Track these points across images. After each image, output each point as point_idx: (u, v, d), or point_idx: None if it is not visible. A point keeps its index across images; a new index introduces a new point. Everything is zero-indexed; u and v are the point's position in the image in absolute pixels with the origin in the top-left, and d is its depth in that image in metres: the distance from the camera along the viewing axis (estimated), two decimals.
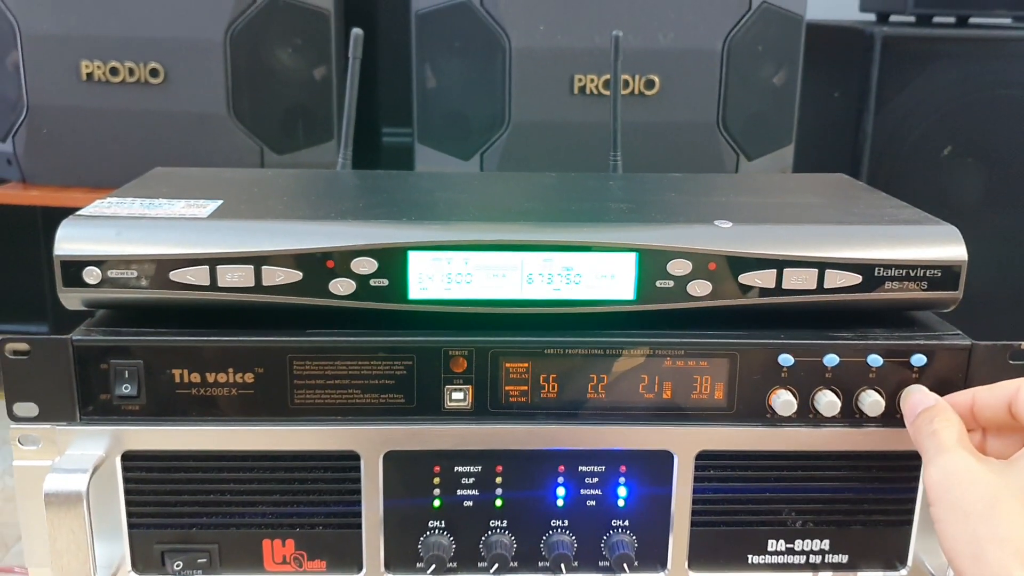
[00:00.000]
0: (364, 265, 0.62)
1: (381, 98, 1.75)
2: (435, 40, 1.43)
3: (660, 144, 1.44)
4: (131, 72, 1.44)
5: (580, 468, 0.67)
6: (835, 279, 0.64)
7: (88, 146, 1.46)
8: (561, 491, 0.67)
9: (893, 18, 1.69)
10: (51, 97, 1.44)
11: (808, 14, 1.43)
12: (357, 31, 0.88)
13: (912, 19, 1.64)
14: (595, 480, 0.67)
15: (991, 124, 1.51)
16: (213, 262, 0.62)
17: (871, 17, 1.75)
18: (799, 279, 0.64)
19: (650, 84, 1.43)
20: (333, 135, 1.51)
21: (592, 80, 1.43)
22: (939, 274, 0.65)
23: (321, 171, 0.87)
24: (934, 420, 0.60)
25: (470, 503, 0.67)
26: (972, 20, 1.62)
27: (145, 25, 1.42)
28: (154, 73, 1.44)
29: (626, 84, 1.43)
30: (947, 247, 0.65)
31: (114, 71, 1.44)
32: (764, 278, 0.64)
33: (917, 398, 0.63)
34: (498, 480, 0.66)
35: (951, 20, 1.63)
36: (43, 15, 1.41)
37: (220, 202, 0.68)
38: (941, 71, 1.51)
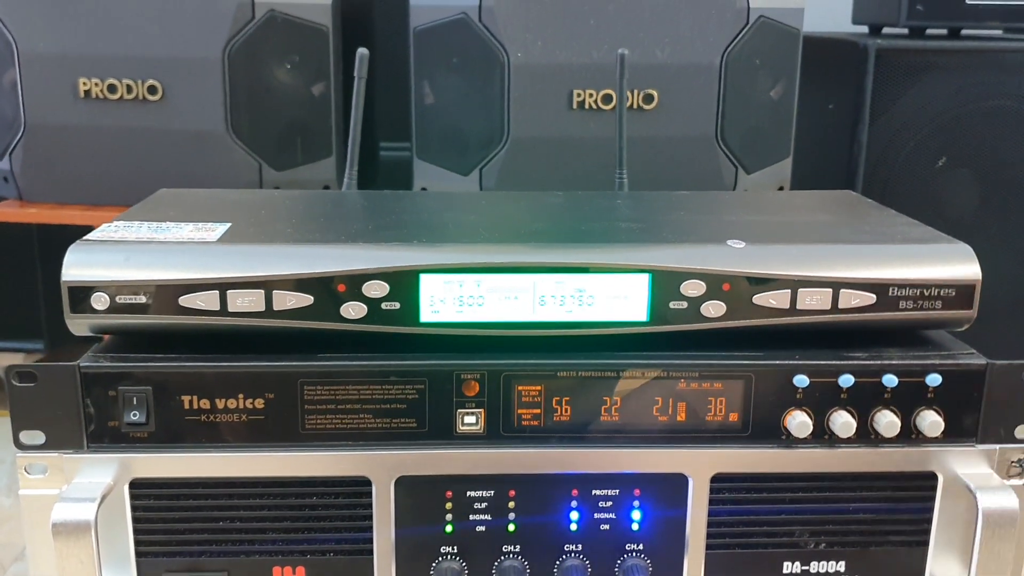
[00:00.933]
0: (375, 288, 0.62)
1: (379, 113, 1.74)
2: (433, 56, 1.43)
3: (659, 158, 1.44)
4: (129, 89, 1.43)
5: (594, 492, 0.66)
6: (849, 299, 0.64)
7: (86, 164, 1.45)
8: (575, 515, 0.66)
9: (886, 30, 1.70)
10: (49, 115, 1.43)
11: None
12: (363, 51, 0.87)
13: (905, 31, 1.64)
14: (609, 504, 0.66)
15: (985, 135, 1.51)
16: (223, 287, 0.61)
17: (864, 29, 1.75)
18: (813, 299, 0.64)
19: (648, 99, 1.43)
20: (332, 152, 1.50)
21: (591, 95, 1.42)
22: (953, 293, 0.65)
23: (328, 192, 0.87)
24: None
25: (483, 528, 0.66)
26: (965, 32, 1.63)
27: (143, 43, 1.41)
28: (152, 90, 1.43)
29: (625, 99, 1.42)
30: (961, 266, 0.65)
31: (112, 88, 1.43)
32: (779, 298, 0.64)
33: None
34: (511, 505, 0.66)
35: (944, 32, 1.64)
36: (41, 33, 1.40)
37: (228, 225, 0.67)
38: (935, 83, 1.51)
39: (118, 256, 0.62)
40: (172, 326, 0.62)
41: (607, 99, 1.41)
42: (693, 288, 0.63)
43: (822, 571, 0.68)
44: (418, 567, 0.66)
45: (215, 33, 1.40)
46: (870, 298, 0.64)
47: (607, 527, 0.66)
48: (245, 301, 0.61)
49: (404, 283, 0.62)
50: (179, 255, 0.62)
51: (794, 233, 0.70)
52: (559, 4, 1.39)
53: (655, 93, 1.42)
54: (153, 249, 0.62)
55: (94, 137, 1.43)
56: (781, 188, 1.49)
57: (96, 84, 1.42)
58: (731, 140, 1.45)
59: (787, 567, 0.68)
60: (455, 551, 0.66)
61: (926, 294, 0.65)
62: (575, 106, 1.42)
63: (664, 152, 1.43)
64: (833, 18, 1.84)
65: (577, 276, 0.63)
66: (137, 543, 0.64)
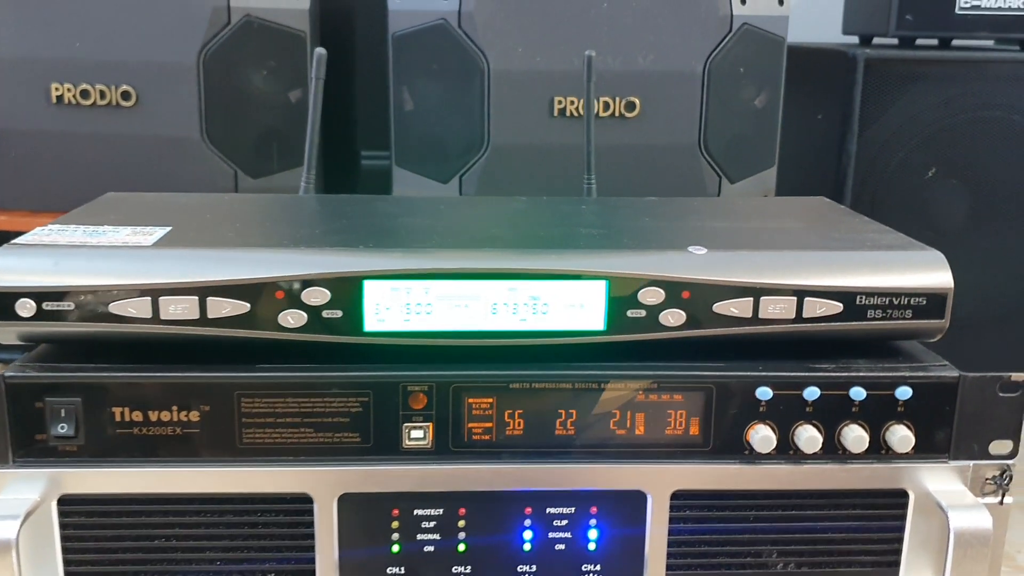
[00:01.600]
0: (316, 296, 0.59)
1: (359, 120, 1.72)
2: (412, 62, 1.41)
3: (642, 166, 1.42)
4: (102, 95, 1.40)
5: (548, 510, 0.63)
6: (815, 308, 0.61)
7: (58, 170, 1.43)
8: (528, 534, 0.63)
9: (876, 40, 1.68)
10: (20, 120, 1.41)
11: (791, 37, 1.41)
12: (320, 50, 0.85)
13: (895, 41, 1.62)
14: (564, 523, 0.63)
15: (975, 146, 1.49)
16: (155, 293, 0.58)
17: (854, 39, 1.73)
18: (777, 308, 0.61)
19: (631, 106, 1.41)
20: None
21: (572, 102, 1.40)
22: (924, 302, 0.62)
23: (282, 196, 0.84)
24: None
25: (431, 548, 0.63)
26: (955, 42, 1.61)
27: (116, 48, 1.39)
28: (126, 96, 1.41)
29: (607, 106, 1.40)
30: (932, 273, 0.62)
31: (85, 94, 1.40)
32: (740, 307, 0.61)
33: None
34: (461, 524, 0.63)
35: (934, 42, 1.62)
36: (12, 37, 1.38)
37: (168, 229, 0.64)
38: (924, 93, 1.50)
39: (46, 261, 0.59)
40: (102, 334, 0.59)
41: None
42: (651, 296, 0.61)
43: None
44: None
45: (190, 38, 1.38)
46: (836, 307, 0.61)
47: (562, 547, 0.63)
48: (178, 308, 0.58)
49: (347, 290, 0.59)
50: (110, 260, 0.59)
51: (759, 240, 0.67)
52: (539, 11, 1.37)
53: (637, 101, 1.39)
54: (84, 254, 0.59)
55: (67, 143, 1.41)
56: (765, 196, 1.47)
57: (69, 89, 1.40)
58: (715, 149, 1.43)
59: None
60: (402, 572, 0.63)
61: (895, 303, 0.62)
62: (556, 113, 1.39)
63: (646, 160, 1.41)
64: (824, 28, 1.83)
65: (531, 283, 0.61)
66: (66, 563, 0.61)
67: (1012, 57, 1.46)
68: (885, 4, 1.59)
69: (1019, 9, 1.55)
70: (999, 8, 1.58)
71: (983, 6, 1.57)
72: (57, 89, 1.38)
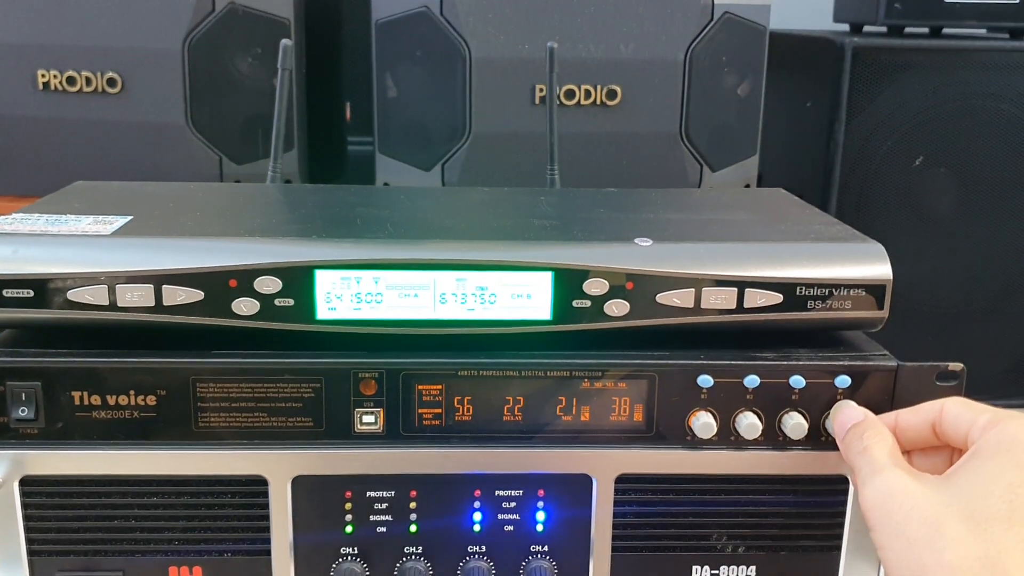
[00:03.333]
0: (268, 284, 0.61)
1: (345, 107, 1.73)
2: (395, 49, 1.42)
3: (622, 155, 1.43)
4: (88, 81, 1.42)
5: (497, 492, 0.65)
6: (755, 298, 0.63)
7: (46, 156, 1.44)
8: (478, 516, 0.65)
9: (866, 29, 1.68)
10: (7, 106, 1.42)
11: (781, 24, 1.42)
12: (286, 41, 0.86)
13: (884, 29, 1.63)
14: (512, 504, 0.65)
15: (963, 134, 1.50)
16: (112, 281, 0.60)
17: (845, 27, 1.74)
18: (718, 298, 0.63)
19: (612, 94, 1.41)
20: (295, 145, 1.49)
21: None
22: (863, 293, 0.63)
23: (247, 185, 0.86)
24: (864, 435, 0.58)
25: (384, 529, 0.65)
26: (945, 31, 1.61)
27: (102, 34, 1.40)
28: (111, 83, 1.42)
29: (588, 94, 1.41)
30: (871, 266, 0.64)
31: (71, 80, 1.42)
32: (682, 297, 0.63)
33: (845, 414, 0.61)
34: (412, 505, 0.65)
35: (924, 31, 1.62)
36: None
37: (129, 218, 0.66)
38: (913, 81, 1.50)
39: (6, 249, 0.60)
40: (61, 321, 0.61)
41: (570, 94, 1.39)
42: (596, 287, 0.62)
43: (733, 575, 0.67)
44: (318, 568, 0.65)
45: (175, 25, 1.39)
46: (776, 298, 0.63)
47: (511, 528, 0.65)
48: (134, 296, 0.60)
49: (298, 279, 0.61)
50: (68, 248, 0.61)
51: (704, 231, 0.68)
52: None
53: (618, 89, 1.40)
54: (43, 242, 0.61)
55: (53, 129, 1.42)
56: (747, 186, 1.48)
57: (55, 76, 1.41)
58: (696, 137, 1.44)
59: (696, 571, 0.67)
60: (356, 552, 0.65)
61: (835, 294, 0.63)
62: (537, 101, 1.40)
63: (627, 149, 1.41)
64: (816, 16, 1.83)
65: (478, 273, 0.62)
66: (29, 542, 0.63)
67: (1001, 46, 1.46)
68: None
69: None
70: None
71: None
72: (43, 76, 1.40)
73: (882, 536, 0.53)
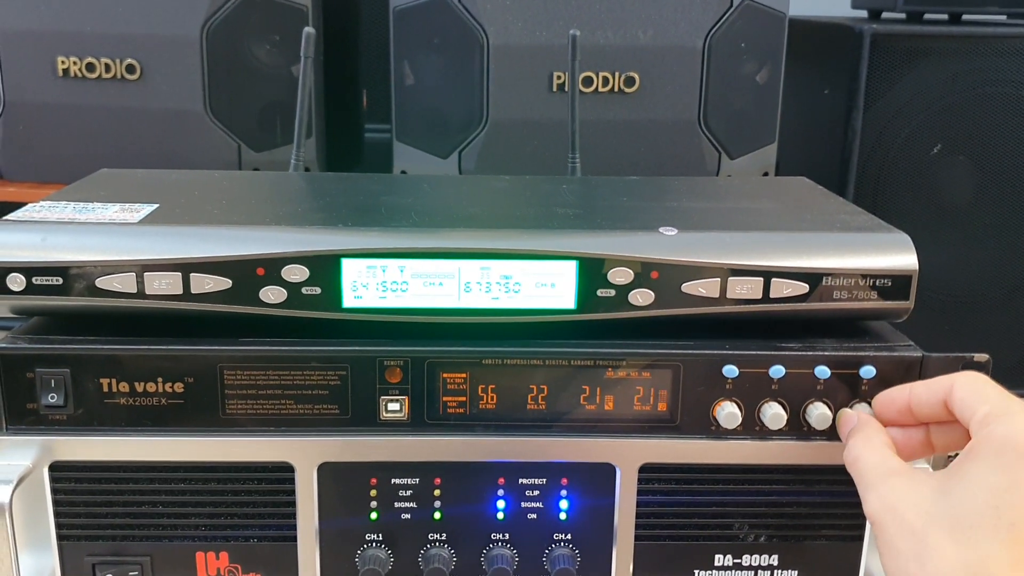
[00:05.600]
0: (295, 273, 0.61)
1: (363, 94, 1.73)
2: (413, 36, 1.42)
3: (641, 142, 1.43)
4: (107, 68, 1.42)
5: (520, 481, 0.65)
6: (781, 288, 0.63)
7: (65, 142, 1.45)
8: (501, 504, 0.65)
9: (884, 15, 1.67)
10: (28, 93, 1.43)
11: (800, 11, 1.41)
12: (309, 30, 0.86)
13: (903, 16, 1.61)
14: (536, 493, 0.65)
15: (982, 122, 1.49)
16: (140, 269, 0.60)
17: (863, 14, 1.72)
18: (744, 288, 0.63)
19: (630, 81, 1.41)
20: (312, 132, 1.50)
21: None
22: (889, 283, 0.63)
23: (270, 174, 0.86)
24: (852, 443, 0.58)
25: (408, 516, 0.65)
26: (965, 17, 1.60)
27: (121, 21, 1.40)
28: (130, 69, 1.42)
29: (606, 81, 1.41)
30: (897, 256, 0.63)
31: (90, 67, 1.42)
32: (708, 287, 0.63)
33: (842, 421, 0.62)
34: (436, 492, 0.65)
35: (943, 17, 1.61)
36: (19, 11, 1.40)
37: (156, 206, 0.66)
38: (931, 68, 1.49)
39: (35, 237, 0.61)
40: (89, 308, 0.61)
41: (588, 81, 1.39)
42: (621, 276, 0.62)
43: (754, 564, 0.67)
44: (343, 554, 0.65)
45: (193, 12, 1.39)
46: (802, 287, 0.63)
47: (534, 516, 0.66)
48: (162, 284, 0.60)
49: (325, 268, 0.61)
50: (96, 236, 0.61)
51: (729, 220, 0.68)
52: None
53: (637, 76, 1.40)
54: (71, 230, 0.62)
55: (73, 116, 1.43)
56: (766, 174, 1.48)
57: (75, 63, 1.42)
58: (714, 125, 1.43)
59: (719, 559, 0.67)
60: (380, 538, 0.66)
61: (860, 284, 0.63)
62: (555, 88, 1.40)
63: (646, 136, 1.41)
64: (835, 3, 1.82)
65: (503, 262, 0.62)
66: (58, 527, 0.64)
67: (1021, 33, 1.44)
68: None
69: None
70: None
71: None
72: (63, 63, 1.40)
73: (879, 546, 0.54)
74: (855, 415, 0.61)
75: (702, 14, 1.39)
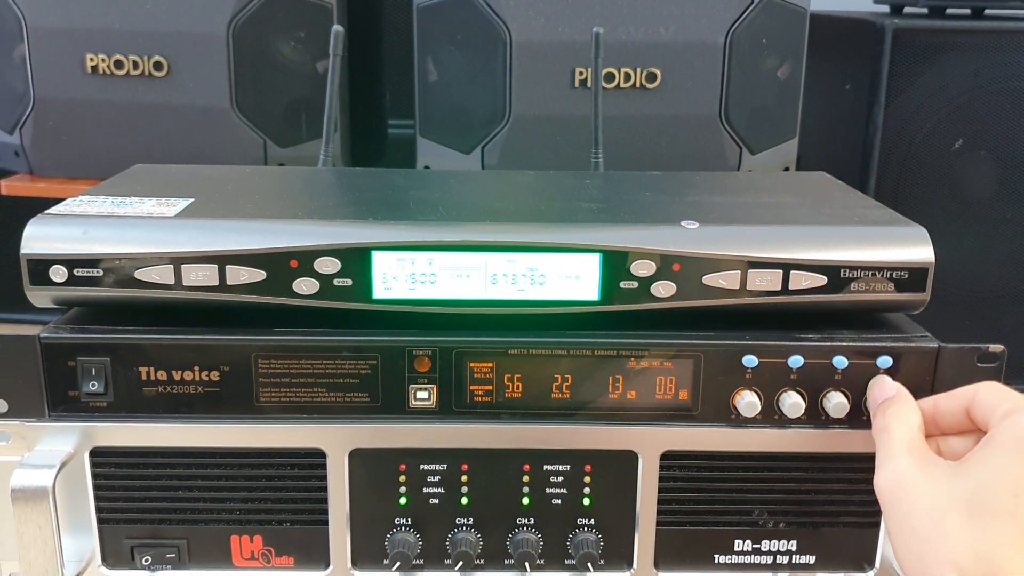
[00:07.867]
0: (327, 265, 0.63)
1: (388, 90, 1.75)
2: (436, 33, 1.43)
3: (662, 138, 1.44)
4: (135, 65, 1.44)
5: (545, 467, 0.67)
6: (800, 281, 0.64)
7: (93, 138, 1.47)
8: (526, 490, 0.67)
9: (906, 10, 1.67)
10: (57, 90, 1.46)
11: (821, 5, 1.41)
12: (338, 28, 0.88)
13: (925, 11, 1.61)
14: (560, 479, 0.67)
15: (1004, 117, 1.49)
16: (177, 261, 0.62)
17: (885, 9, 1.73)
18: (763, 280, 0.64)
19: (652, 77, 1.42)
20: (337, 128, 1.52)
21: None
22: (906, 276, 0.65)
23: (300, 168, 0.88)
24: (887, 413, 0.59)
25: (436, 501, 0.67)
26: (987, 12, 1.60)
27: (149, 18, 1.43)
28: (158, 66, 1.45)
29: (627, 77, 1.42)
30: (914, 248, 0.65)
31: (118, 64, 1.45)
32: (728, 279, 0.64)
33: (879, 389, 0.63)
34: (463, 479, 0.67)
35: (966, 12, 1.61)
36: (48, 9, 1.43)
37: (191, 200, 0.69)
38: (953, 64, 1.49)
39: (76, 230, 0.63)
40: (128, 299, 0.63)
41: (610, 77, 1.40)
42: (643, 268, 0.64)
43: (773, 549, 0.69)
44: (373, 538, 0.67)
45: (220, 9, 1.41)
46: (821, 280, 0.64)
47: (558, 502, 0.67)
48: (199, 275, 0.63)
49: (356, 260, 0.63)
50: (135, 229, 0.63)
51: (749, 214, 0.70)
52: None
53: (658, 72, 1.41)
54: (111, 223, 0.64)
55: (101, 112, 1.46)
56: (787, 168, 1.48)
57: (103, 60, 1.44)
58: (735, 120, 1.44)
59: (738, 545, 0.68)
60: (409, 523, 0.67)
61: (878, 276, 0.64)
62: (577, 84, 1.41)
63: (667, 132, 1.42)
64: None
65: (528, 255, 0.64)
66: (98, 510, 0.66)
67: None
68: None
69: None
70: None
71: None
72: (92, 59, 1.43)
73: (890, 522, 0.55)
74: (894, 386, 0.62)
75: (724, 10, 1.40)
